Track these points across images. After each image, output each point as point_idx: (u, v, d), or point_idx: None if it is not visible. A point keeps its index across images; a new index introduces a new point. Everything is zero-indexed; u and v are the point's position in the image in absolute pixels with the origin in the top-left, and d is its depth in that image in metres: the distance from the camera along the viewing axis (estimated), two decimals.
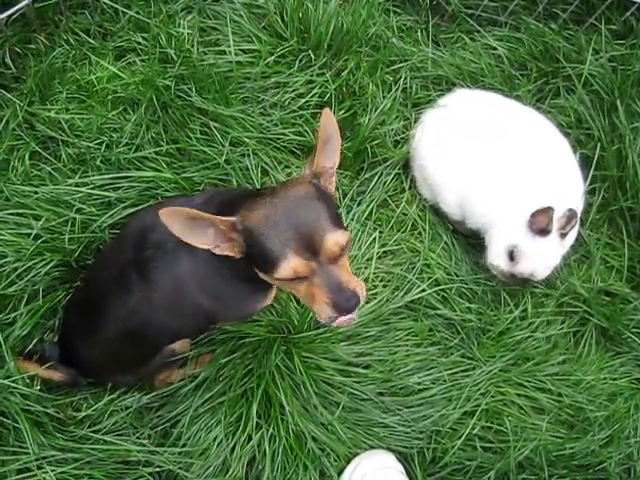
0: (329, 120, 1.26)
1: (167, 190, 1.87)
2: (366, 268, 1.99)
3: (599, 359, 2.06)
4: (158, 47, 2.03)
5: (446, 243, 2.09)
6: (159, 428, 1.81)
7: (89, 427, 1.75)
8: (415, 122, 2.14)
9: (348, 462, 1.85)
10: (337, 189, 2.00)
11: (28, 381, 1.65)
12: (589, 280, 2.10)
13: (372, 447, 1.87)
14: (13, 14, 1.97)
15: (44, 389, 1.70)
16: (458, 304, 2.01)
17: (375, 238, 2.02)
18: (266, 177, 1.98)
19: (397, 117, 2.15)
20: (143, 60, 2.08)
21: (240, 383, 1.80)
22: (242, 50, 2.10)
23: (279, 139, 2.03)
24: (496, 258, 1.91)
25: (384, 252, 2.04)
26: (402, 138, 2.15)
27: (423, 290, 1.98)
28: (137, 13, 2.10)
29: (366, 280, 1.97)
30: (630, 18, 2.30)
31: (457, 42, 2.34)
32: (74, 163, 1.94)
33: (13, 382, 1.61)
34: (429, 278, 2.00)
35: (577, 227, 1.90)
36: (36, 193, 1.84)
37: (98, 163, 1.91)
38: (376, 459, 1.84)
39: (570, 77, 2.23)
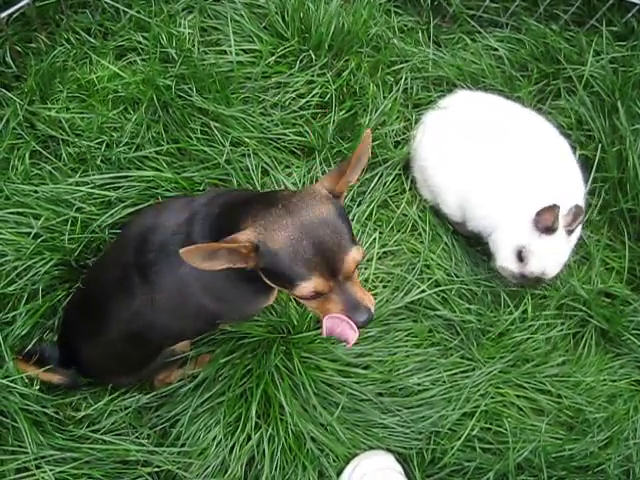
0: (368, 143, 1.24)
1: (167, 190, 1.87)
2: (366, 269, 1.99)
3: (599, 361, 2.07)
4: (159, 46, 2.03)
5: (446, 244, 2.09)
6: (158, 428, 1.81)
7: (88, 427, 1.75)
8: (416, 123, 2.14)
9: (347, 463, 1.85)
10: None
11: (27, 381, 1.65)
12: (589, 281, 2.10)
13: (371, 448, 1.87)
14: (14, 13, 1.97)
15: (43, 389, 1.70)
16: (458, 305, 2.01)
17: (375, 239, 2.02)
18: (266, 177, 1.98)
19: (398, 118, 2.15)
20: (144, 59, 2.08)
21: (239, 383, 1.80)
22: (243, 50, 2.09)
23: (280, 139, 2.03)
24: (505, 261, 1.89)
25: (384, 253, 2.04)
26: (402, 139, 2.15)
27: (423, 291, 1.97)
28: (138, 12, 2.10)
29: (366, 280, 1.97)
30: (631, 20, 2.30)
31: (458, 43, 2.34)
32: (74, 162, 1.94)
33: (12, 382, 1.61)
34: (429, 279, 2.00)
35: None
36: (36, 192, 1.83)
37: (98, 162, 1.91)
38: (375, 460, 1.84)
39: (571, 78, 2.23)
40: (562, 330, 2.06)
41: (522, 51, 2.30)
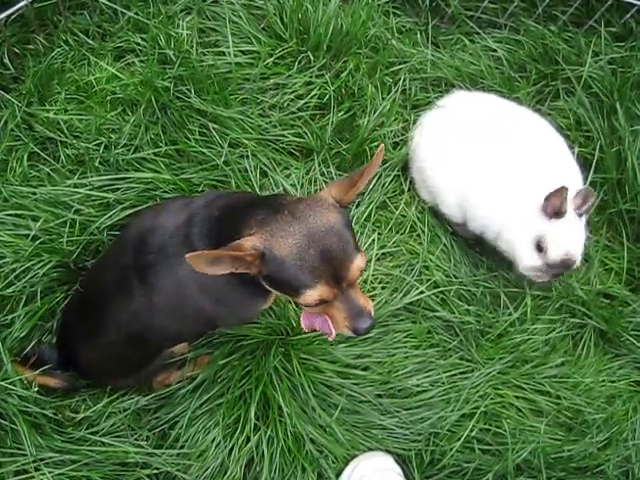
0: (381, 157, 1.25)
1: (166, 191, 1.87)
2: (365, 270, 1.98)
3: (598, 361, 2.07)
4: (157, 48, 2.03)
5: (445, 245, 2.09)
6: (157, 430, 1.81)
7: (87, 429, 1.75)
8: (414, 124, 2.14)
9: (346, 464, 1.85)
10: None
11: (26, 383, 1.65)
12: (588, 282, 2.10)
13: (370, 449, 1.87)
14: (12, 14, 1.97)
15: (42, 391, 1.70)
16: (457, 306, 2.00)
17: (374, 240, 2.02)
18: (265, 178, 1.98)
19: (396, 119, 2.15)
20: (142, 61, 2.08)
21: (238, 385, 1.79)
22: (241, 51, 2.09)
23: (278, 140, 2.03)
24: (526, 259, 1.86)
25: (383, 254, 2.04)
26: (401, 140, 2.15)
27: (422, 292, 1.97)
28: (136, 14, 2.10)
29: (365, 282, 1.97)
30: (630, 20, 2.30)
31: (456, 44, 2.34)
32: (73, 164, 1.94)
33: (11, 384, 1.60)
34: (428, 280, 2.00)
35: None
36: (34, 194, 1.83)
37: (97, 164, 1.91)
38: (374, 461, 1.84)
39: (569, 79, 2.23)
40: (561, 331, 2.06)
41: (521, 52, 2.30)
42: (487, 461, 1.86)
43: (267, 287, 1.31)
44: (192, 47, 2.07)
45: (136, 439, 1.77)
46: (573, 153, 2.00)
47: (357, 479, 1.81)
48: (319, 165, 2.01)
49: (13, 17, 2.00)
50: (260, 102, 2.04)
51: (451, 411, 1.89)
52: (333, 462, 1.83)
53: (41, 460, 1.61)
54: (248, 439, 1.76)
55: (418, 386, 1.91)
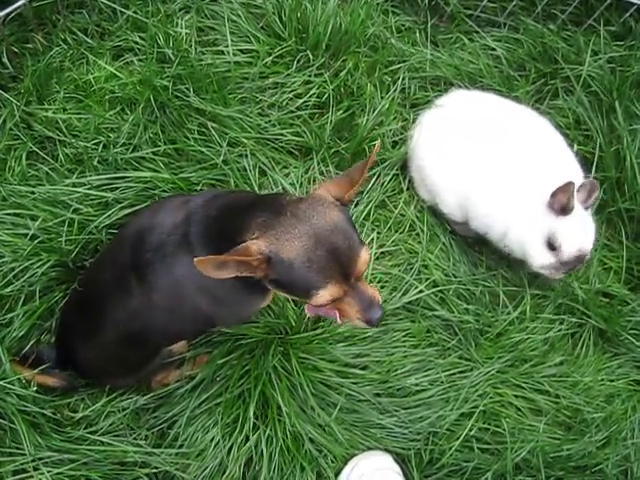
0: (375, 153, 1.26)
1: (164, 190, 1.87)
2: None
3: (597, 360, 2.06)
4: (156, 47, 2.02)
5: (444, 244, 2.09)
6: (156, 429, 1.80)
7: (86, 428, 1.75)
8: (413, 123, 2.14)
9: (345, 463, 1.85)
10: None
11: (24, 382, 1.65)
12: (587, 281, 2.10)
13: (369, 448, 1.87)
14: (10, 13, 1.96)
15: (41, 390, 1.70)
16: (456, 305, 2.00)
17: (373, 239, 2.02)
18: (264, 177, 1.98)
19: (395, 118, 2.15)
20: (141, 60, 2.07)
21: (237, 384, 1.79)
22: (240, 50, 2.09)
23: (277, 139, 2.02)
24: (540, 258, 1.85)
25: (382, 253, 2.04)
26: (400, 139, 2.14)
27: (421, 291, 1.97)
28: (135, 13, 2.09)
29: None
30: (629, 19, 2.30)
31: (456, 43, 2.34)
32: (71, 163, 1.94)
33: (9, 383, 1.60)
34: (427, 279, 2.00)
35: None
36: (33, 193, 1.83)
37: (95, 163, 1.91)
38: (373, 460, 1.84)
39: (569, 78, 2.23)
40: (560, 330, 2.06)
41: (520, 51, 2.30)
42: (486, 460, 1.86)
43: (275, 290, 1.31)
44: (191, 46, 2.06)
45: (135, 438, 1.77)
46: (573, 152, 2.00)
47: (356, 478, 1.81)
48: (318, 164, 2.01)
49: (12, 16, 2.00)
50: (259, 101, 2.04)
51: (450, 410, 1.89)
52: (332, 461, 1.83)
53: (40, 459, 1.61)
54: (247, 438, 1.76)
55: (417, 385, 1.91)
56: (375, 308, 1.27)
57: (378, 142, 1.26)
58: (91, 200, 1.85)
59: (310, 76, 2.07)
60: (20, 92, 2.01)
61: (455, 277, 2.05)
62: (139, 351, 1.62)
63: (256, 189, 1.93)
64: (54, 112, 1.98)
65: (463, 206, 1.98)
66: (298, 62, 2.08)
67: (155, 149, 1.92)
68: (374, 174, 2.07)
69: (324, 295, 1.22)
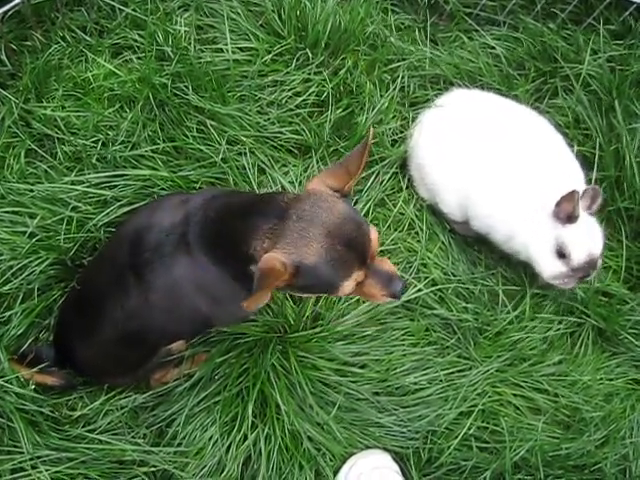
0: (371, 141, 1.27)
1: (163, 189, 1.86)
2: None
3: (595, 359, 2.06)
4: (155, 45, 2.02)
5: (443, 243, 2.08)
6: (154, 427, 1.80)
7: (84, 426, 1.74)
8: (413, 121, 2.14)
9: (344, 462, 1.85)
10: None
11: (23, 380, 1.65)
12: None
13: (368, 447, 1.87)
14: (9, 10, 1.96)
15: (39, 389, 1.70)
16: (455, 304, 2.00)
17: None
18: (263, 176, 1.97)
19: (394, 116, 2.14)
20: (140, 58, 2.07)
21: (236, 382, 1.79)
22: (239, 48, 2.09)
23: (276, 138, 2.02)
24: (550, 268, 1.85)
25: (381, 251, 2.03)
26: (399, 137, 2.14)
27: (420, 290, 1.97)
28: (134, 10, 2.09)
29: None
30: (629, 18, 2.29)
31: (455, 41, 2.33)
32: (70, 161, 1.93)
33: (7, 381, 1.60)
34: (426, 278, 2.00)
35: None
36: (31, 191, 1.83)
37: (94, 161, 1.90)
38: (372, 459, 1.84)
39: (568, 77, 2.23)
40: (559, 329, 2.06)
41: (519, 49, 2.30)
42: (485, 459, 1.86)
43: (295, 294, 1.32)
44: (190, 44, 2.06)
45: (133, 437, 1.77)
46: (572, 151, 2.00)
47: (355, 477, 1.81)
48: (317, 162, 2.01)
49: (10, 13, 1.99)
50: (258, 99, 2.04)
51: (449, 409, 1.89)
52: (331, 460, 1.83)
53: (38, 458, 1.61)
54: (245, 437, 1.76)
55: (416, 384, 1.90)
56: (396, 281, 1.30)
57: (371, 130, 1.25)
58: (90, 198, 1.85)
59: (309, 74, 2.06)
60: (19, 90, 2.01)
61: (454, 276, 2.05)
62: (137, 350, 1.62)
63: (255, 187, 1.93)
64: (53, 110, 1.97)
65: (463, 205, 1.98)
66: (297, 60, 2.08)
67: (154, 147, 1.92)
68: (373, 172, 2.07)
69: (350, 285, 1.26)
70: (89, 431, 1.73)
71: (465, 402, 1.90)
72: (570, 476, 1.88)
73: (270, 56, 2.06)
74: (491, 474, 1.83)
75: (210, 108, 1.94)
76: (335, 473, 1.84)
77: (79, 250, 1.81)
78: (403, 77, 2.18)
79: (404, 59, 2.21)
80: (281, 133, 2.01)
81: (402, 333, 1.96)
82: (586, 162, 2.10)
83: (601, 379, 2.03)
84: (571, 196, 1.74)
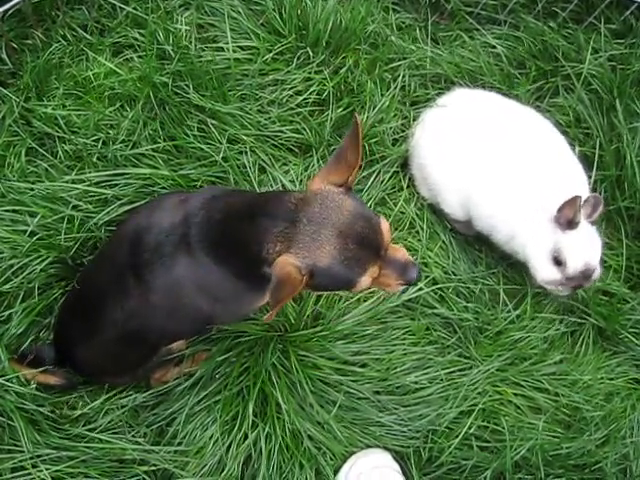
0: (361, 127, 1.25)
1: (164, 187, 1.86)
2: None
3: (596, 359, 2.06)
4: (156, 43, 2.02)
5: (444, 242, 2.08)
6: (155, 426, 1.80)
7: (84, 425, 1.74)
8: (413, 120, 2.14)
9: (344, 461, 1.85)
10: None
11: (23, 380, 1.64)
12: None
13: (368, 446, 1.87)
14: (9, 9, 1.96)
15: (40, 388, 1.69)
16: (455, 303, 2.00)
17: None
18: (263, 175, 1.97)
19: (395, 115, 2.14)
20: (140, 56, 2.07)
21: (236, 381, 1.79)
22: (240, 47, 2.09)
23: (277, 137, 2.02)
24: (545, 273, 1.84)
25: None
26: (400, 136, 2.14)
27: (420, 289, 1.97)
28: (135, 9, 2.09)
29: None
30: (629, 17, 2.30)
31: (456, 40, 2.33)
32: (70, 160, 1.93)
33: (8, 380, 1.60)
34: (426, 277, 2.00)
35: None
36: (32, 190, 1.82)
37: (95, 160, 1.90)
38: (372, 458, 1.84)
39: (569, 76, 2.23)
40: (559, 328, 2.06)
41: (520, 49, 2.30)
42: (485, 458, 1.86)
43: (313, 292, 1.33)
44: (191, 43, 2.06)
45: (133, 436, 1.76)
46: (574, 151, 2.00)
47: (355, 476, 1.81)
48: (318, 161, 2.01)
49: (11, 12, 1.99)
50: (259, 98, 2.04)
51: (449, 408, 1.88)
52: (331, 459, 1.83)
53: (38, 457, 1.61)
54: (246, 436, 1.76)
55: (416, 383, 1.90)
56: (411, 268, 1.30)
57: (357, 116, 1.24)
58: (90, 197, 1.84)
59: (310, 73, 2.06)
60: (19, 88, 2.01)
61: (455, 275, 2.05)
62: (137, 350, 1.61)
63: (256, 186, 1.93)
64: (53, 108, 1.97)
65: (465, 205, 1.98)
66: (298, 59, 2.07)
67: (154, 146, 1.92)
68: (374, 171, 2.07)
69: (366, 280, 1.26)
70: (89, 430, 1.73)
71: (465, 401, 1.90)
72: (570, 475, 1.88)
73: (271, 55, 2.06)
74: (491, 473, 1.83)
75: (211, 107, 1.94)
76: (335, 472, 1.84)
77: (80, 249, 1.81)
78: (404, 76, 2.18)
79: (405, 58, 2.21)
80: (282, 132, 2.01)
81: (403, 332, 1.96)
82: (587, 161, 2.10)
83: (602, 378, 2.03)
84: (573, 202, 1.74)
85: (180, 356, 1.73)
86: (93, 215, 1.81)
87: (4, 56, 2.03)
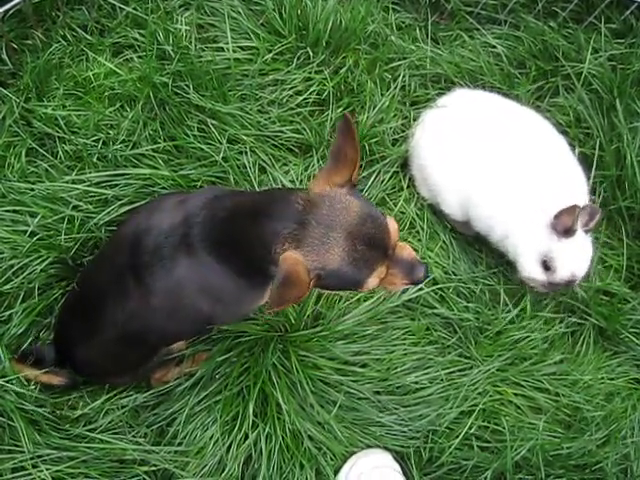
0: (353, 123, 1.24)
1: (164, 188, 1.86)
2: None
3: (597, 359, 2.06)
4: (156, 44, 2.02)
5: (444, 242, 2.08)
6: (155, 427, 1.80)
7: (85, 426, 1.74)
8: (414, 120, 2.13)
9: (344, 461, 1.85)
10: None
11: (23, 380, 1.64)
12: (587, 280, 2.09)
13: (369, 446, 1.87)
14: (10, 9, 1.96)
15: (41, 388, 1.70)
16: (456, 303, 2.00)
17: None
18: (264, 175, 1.97)
19: (395, 115, 2.14)
20: (140, 57, 2.07)
21: (236, 382, 1.79)
22: (240, 47, 2.09)
23: (277, 137, 2.02)
24: (531, 272, 1.86)
25: None
26: (400, 136, 2.14)
27: (421, 289, 1.97)
28: (135, 9, 2.09)
29: None
30: (630, 17, 2.29)
31: (456, 40, 2.33)
32: (71, 160, 1.93)
33: (8, 381, 1.60)
34: (427, 277, 1.99)
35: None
36: (32, 190, 1.83)
37: (95, 160, 1.91)
38: (372, 458, 1.84)
39: (569, 76, 2.22)
40: (560, 328, 2.06)
41: (520, 48, 2.29)
42: (486, 458, 1.86)
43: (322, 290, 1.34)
44: (191, 43, 2.06)
45: (134, 436, 1.77)
46: (574, 152, 2.00)
47: (355, 476, 1.81)
48: (318, 161, 2.01)
49: (11, 12, 1.99)
50: (259, 98, 2.04)
51: (450, 408, 1.88)
52: (331, 459, 1.83)
53: (39, 457, 1.61)
54: (246, 436, 1.76)
55: (417, 383, 1.90)
56: (418, 268, 1.31)
57: (348, 114, 1.22)
58: (90, 197, 1.85)
59: (310, 73, 2.06)
60: (19, 89, 2.01)
61: (455, 275, 2.05)
62: (137, 350, 1.61)
63: (256, 186, 1.93)
64: (53, 109, 1.97)
65: (464, 206, 1.98)
66: (298, 59, 2.07)
67: (155, 146, 1.92)
68: (374, 171, 2.06)
69: (374, 281, 1.27)
70: (90, 430, 1.73)
71: (466, 401, 1.90)
72: (571, 475, 1.88)
73: (271, 55, 2.06)
74: (492, 473, 1.83)
75: (211, 107, 1.94)
76: (336, 472, 1.84)
77: (80, 249, 1.81)
78: (404, 76, 2.18)
79: (405, 58, 2.21)
80: (282, 132, 2.01)
81: (403, 332, 1.96)
82: (587, 161, 2.10)
83: (602, 378, 2.03)
84: (572, 210, 1.74)
85: (180, 356, 1.73)
86: (93, 215, 1.81)
87: (4, 56, 2.03)
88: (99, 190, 1.85)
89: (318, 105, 2.08)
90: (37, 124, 1.96)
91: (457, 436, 1.86)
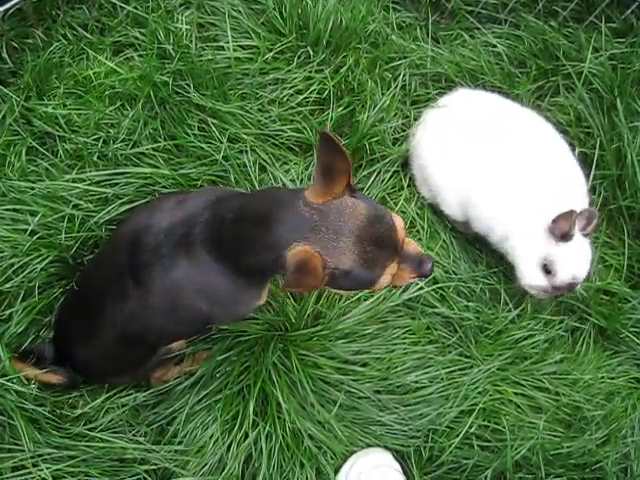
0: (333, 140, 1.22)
1: (164, 187, 1.86)
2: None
3: (597, 358, 2.06)
4: (156, 42, 2.02)
5: (444, 241, 2.08)
6: (155, 426, 1.80)
7: (85, 425, 1.74)
8: (414, 120, 2.14)
9: (345, 460, 1.85)
10: None
11: (23, 379, 1.64)
12: (587, 279, 2.09)
13: (369, 445, 1.87)
14: (10, 8, 1.95)
15: (41, 387, 1.70)
16: (456, 302, 2.00)
17: None
18: (264, 174, 1.97)
19: (396, 114, 2.14)
20: (141, 55, 2.07)
21: (237, 381, 1.79)
22: (240, 46, 2.09)
23: (277, 136, 2.02)
24: (532, 278, 1.86)
25: None
26: (401, 136, 2.14)
27: (421, 288, 1.97)
28: (135, 8, 2.09)
29: None
30: (630, 16, 2.29)
31: (456, 39, 2.33)
32: (71, 159, 1.93)
33: (8, 380, 1.60)
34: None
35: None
36: (33, 189, 1.82)
37: (95, 159, 1.90)
38: (373, 457, 1.84)
39: (570, 75, 2.22)
40: (560, 328, 2.06)
41: (521, 48, 2.29)
42: (486, 457, 1.86)
43: (333, 290, 1.34)
44: (191, 42, 2.06)
45: (134, 435, 1.76)
46: (574, 151, 2.00)
47: (355, 475, 1.81)
48: None
49: (11, 11, 1.99)
50: (259, 97, 2.04)
51: (450, 407, 1.88)
52: (332, 458, 1.83)
53: (39, 456, 1.61)
54: (247, 435, 1.76)
55: (417, 382, 1.90)
56: (425, 262, 1.31)
57: (325, 132, 1.19)
58: (91, 196, 1.84)
59: (310, 72, 2.06)
60: (20, 87, 2.01)
61: (455, 274, 2.05)
62: (136, 350, 1.61)
63: (256, 185, 1.93)
64: (54, 108, 1.97)
65: (464, 206, 1.98)
66: (299, 58, 2.07)
67: (155, 145, 1.92)
68: (374, 171, 2.06)
69: (385, 279, 1.28)
70: (90, 429, 1.72)
71: (466, 401, 1.90)
72: (571, 475, 1.88)
73: (271, 54, 2.06)
74: (492, 473, 1.83)
75: (211, 106, 1.94)
76: (336, 471, 1.84)
77: (80, 248, 1.81)
78: (404, 75, 2.17)
79: (405, 57, 2.21)
80: (282, 131, 2.01)
81: (403, 331, 1.96)
82: (587, 160, 2.10)
83: (602, 378, 2.03)
84: (569, 215, 1.74)
85: (180, 355, 1.73)
86: (94, 214, 1.81)
87: (5, 55, 2.03)
88: (99, 189, 1.84)
89: (318, 104, 2.08)
90: (37, 123, 1.95)
91: (457, 435, 1.86)
